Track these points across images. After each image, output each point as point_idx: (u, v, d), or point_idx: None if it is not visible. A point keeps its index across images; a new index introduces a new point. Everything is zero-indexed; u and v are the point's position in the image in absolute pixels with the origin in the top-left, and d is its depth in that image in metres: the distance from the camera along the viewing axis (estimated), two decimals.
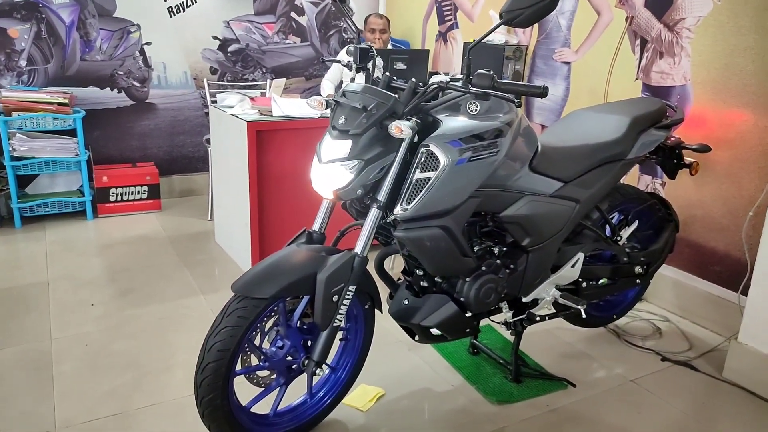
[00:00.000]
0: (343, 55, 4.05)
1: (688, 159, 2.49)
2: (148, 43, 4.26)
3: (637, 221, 2.46)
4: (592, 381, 2.37)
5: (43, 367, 2.31)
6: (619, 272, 2.44)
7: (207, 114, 4.55)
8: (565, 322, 2.70)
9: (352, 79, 1.90)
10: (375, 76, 1.90)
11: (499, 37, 3.63)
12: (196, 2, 4.33)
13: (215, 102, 3.77)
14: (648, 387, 2.34)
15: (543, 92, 1.61)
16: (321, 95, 4.34)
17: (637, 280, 2.52)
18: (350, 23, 1.94)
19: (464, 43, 4.03)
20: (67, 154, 3.85)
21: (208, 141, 4.03)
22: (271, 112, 3.16)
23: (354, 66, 1.91)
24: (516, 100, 1.58)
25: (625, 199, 2.45)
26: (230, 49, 4.58)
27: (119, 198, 4.14)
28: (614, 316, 2.73)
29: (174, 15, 4.29)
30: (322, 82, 4.45)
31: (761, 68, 2.49)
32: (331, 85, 4.41)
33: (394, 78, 1.87)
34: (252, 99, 3.34)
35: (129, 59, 4.22)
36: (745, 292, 2.44)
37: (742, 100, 2.57)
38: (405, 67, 3.49)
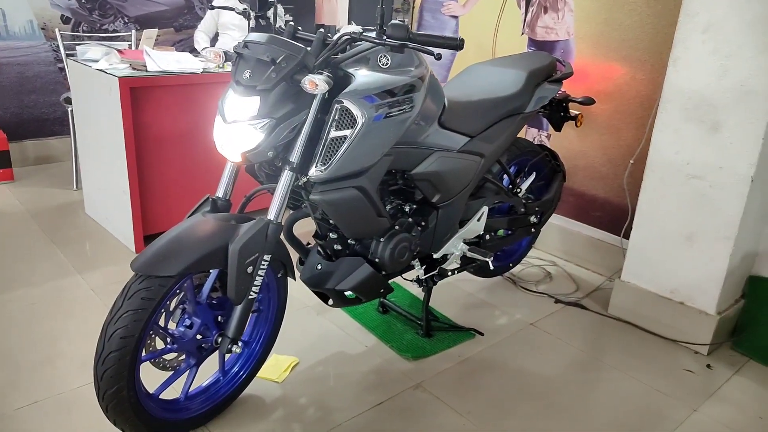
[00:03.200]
0: (226, 2, 3.71)
1: (573, 111, 2.61)
2: None
3: (534, 173, 2.55)
4: (497, 328, 2.46)
5: None
6: (516, 223, 2.54)
7: (62, 69, 4.01)
8: (465, 275, 2.78)
9: (252, 29, 1.73)
10: (277, 25, 1.74)
11: None
12: None
13: (71, 55, 3.32)
14: (546, 329, 2.49)
15: (459, 44, 1.56)
16: (196, 48, 4.01)
17: (532, 229, 2.64)
18: None
19: None
20: None
21: (68, 100, 3.56)
22: (145, 66, 2.83)
23: (252, 14, 1.74)
24: (436, 54, 1.52)
25: (521, 152, 2.53)
26: None
27: None
28: (510, 265, 2.85)
29: None
30: (195, 33, 4.10)
31: (638, 23, 2.65)
32: (206, 37, 4.08)
33: (299, 28, 1.72)
34: (120, 52, 2.97)
35: None
36: (627, 236, 2.65)
37: (621, 54, 2.73)
38: (291, 18, 3.30)
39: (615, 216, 2.88)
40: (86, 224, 3.22)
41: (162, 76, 2.79)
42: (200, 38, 4.06)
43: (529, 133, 3.17)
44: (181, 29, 4.52)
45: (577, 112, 2.61)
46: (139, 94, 2.74)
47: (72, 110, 3.43)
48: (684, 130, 2.24)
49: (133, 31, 4.14)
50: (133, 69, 2.83)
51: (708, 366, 2.29)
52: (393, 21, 1.59)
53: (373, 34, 1.61)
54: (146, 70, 2.82)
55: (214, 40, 4.12)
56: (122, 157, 2.77)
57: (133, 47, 3.89)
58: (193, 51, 3.91)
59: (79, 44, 3.33)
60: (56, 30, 3.78)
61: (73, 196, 3.60)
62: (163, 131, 2.87)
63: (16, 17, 3.81)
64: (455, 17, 3.42)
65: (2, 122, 3.90)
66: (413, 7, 3.60)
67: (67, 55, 3.59)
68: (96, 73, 2.84)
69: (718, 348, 2.40)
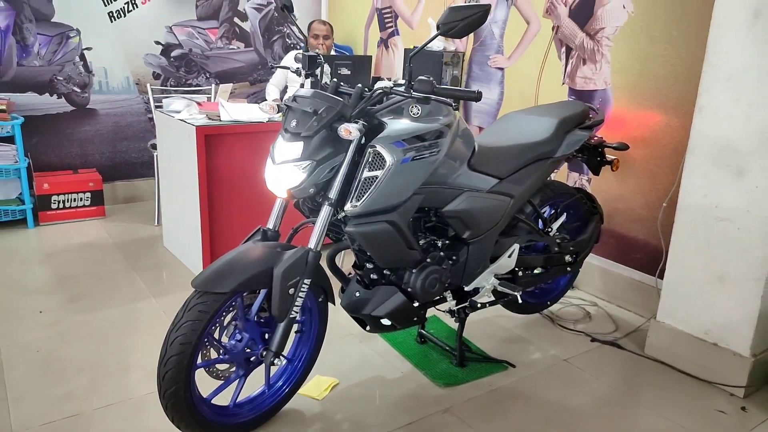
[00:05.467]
0: (290, 61, 4.14)
1: (609, 156, 2.74)
2: (88, 48, 4.21)
3: (565, 214, 2.68)
4: (530, 362, 2.56)
5: None
6: (551, 261, 2.66)
7: (151, 119, 4.54)
8: (504, 311, 2.90)
9: (302, 85, 2.02)
10: (323, 81, 2.02)
11: (438, 44, 3.81)
12: (137, 7, 4.32)
13: (159, 107, 3.79)
14: (579, 365, 2.56)
15: (477, 96, 1.78)
16: (267, 100, 4.43)
17: (568, 268, 2.74)
18: (296, 30, 2.03)
19: (405, 49, 4.21)
20: (5, 161, 3.77)
21: (154, 146, 4.03)
22: (218, 116, 3.22)
23: (303, 72, 2.03)
24: (453, 104, 1.74)
25: (554, 194, 2.67)
26: (173, 54, 4.58)
27: (61, 205, 4.07)
28: (548, 303, 2.95)
29: (115, 20, 4.26)
30: (267, 86, 4.53)
31: (671, 74, 2.77)
32: (276, 90, 4.49)
33: (341, 83, 1.99)
34: (199, 104, 3.39)
35: (69, 64, 4.16)
36: (661, 276, 2.70)
37: (656, 103, 2.85)
38: (349, 72, 3.63)
39: (653, 257, 2.94)
40: (163, 255, 3.60)
41: (232, 125, 3.16)
42: (271, 91, 4.48)
43: (571, 177, 3.30)
44: (255, 83, 4.99)
45: (614, 157, 2.74)
46: (212, 141, 3.12)
47: (157, 155, 3.88)
48: (711, 175, 2.33)
49: (213, 85, 4.63)
50: (209, 119, 3.22)
51: (743, 408, 2.29)
52: (421, 77, 1.83)
53: (402, 88, 1.86)
54: (219, 120, 3.20)
55: (283, 92, 4.54)
56: (195, 196, 3.13)
57: (212, 100, 4.36)
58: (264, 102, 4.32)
59: (166, 97, 3.79)
60: (148, 85, 4.31)
61: (154, 231, 4.02)
62: (231, 173, 3.23)
63: (116, 74, 4.38)
64: (501, 69, 3.64)
65: (98, 165, 4.44)
66: (463, 60, 3.86)
67: (156, 107, 4.08)
68: (178, 122, 3.25)
69: (757, 392, 2.39)
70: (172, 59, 4.59)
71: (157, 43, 4.49)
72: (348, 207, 1.87)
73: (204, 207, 3.14)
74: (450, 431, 2.08)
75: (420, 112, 1.94)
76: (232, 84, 3.85)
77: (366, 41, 4.82)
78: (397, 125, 1.89)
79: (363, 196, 1.85)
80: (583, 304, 3.14)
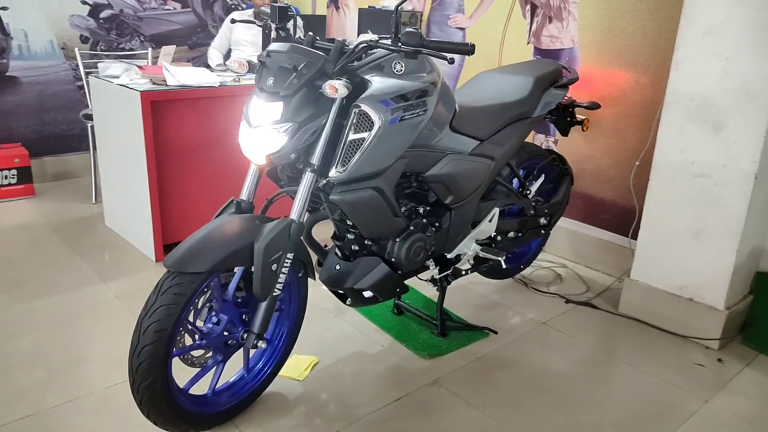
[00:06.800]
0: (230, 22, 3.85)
1: (579, 116, 2.69)
2: (4, 8, 3.76)
3: (543, 176, 2.63)
4: (510, 327, 2.52)
5: None
6: (526, 224, 2.60)
7: (81, 87, 4.14)
8: (477, 277, 2.84)
9: (274, 39, 1.82)
10: (297, 36, 1.83)
11: (393, 2, 3.64)
12: None
13: (90, 73, 3.45)
14: (557, 327, 2.54)
15: (470, 49, 1.65)
16: (210, 64, 4.13)
17: (542, 231, 2.71)
18: None
19: (359, 9, 4.00)
20: None
21: (87, 116, 3.68)
22: (164, 81, 2.94)
23: (274, 26, 1.83)
24: (449, 58, 1.61)
25: (529, 156, 2.61)
26: (102, 15, 4.18)
27: None
28: (521, 267, 2.92)
29: None
30: (208, 50, 4.24)
31: (640, 29, 2.74)
32: (219, 54, 4.20)
33: (317, 38, 1.82)
34: (141, 68, 3.09)
35: None
36: (635, 236, 2.71)
37: (624, 60, 2.81)
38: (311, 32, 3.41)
39: (623, 217, 2.95)
40: (107, 235, 3.32)
41: (181, 90, 2.90)
42: (214, 55, 4.18)
43: (537, 139, 3.25)
44: (194, 47, 4.66)
45: (584, 117, 2.69)
46: (158, 108, 2.85)
47: (92, 126, 3.54)
48: (688, 131, 2.32)
49: (149, 49, 4.27)
50: (153, 84, 2.94)
51: (719, 360, 2.33)
52: (407, 29, 1.68)
53: (388, 42, 1.70)
54: (166, 85, 2.92)
55: (226, 56, 4.24)
56: (143, 168, 2.87)
57: (149, 64, 4.01)
58: (208, 67, 4.03)
59: (99, 62, 3.45)
60: (76, 49, 3.91)
61: (92, 209, 3.70)
62: (181, 143, 2.97)
63: (38, 37, 3.95)
64: (462, 29, 3.52)
65: (23, 139, 4.02)
66: (421, 21, 3.71)
67: (87, 73, 3.72)
68: (118, 88, 2.95)
69: (729, 343, 2.44)
70: (101, 21, 4.18)
71: (84, 2, 4.07)
72: (333, 173, 1.71)
73: (153, 180, 2.88)
74: (441, 404, 2.01)
75: (404, 69, 1.80)
76: (174, 46, 3.54)
77: (314, 1, 4.57)
78: (383, 83, 1.74)
79: (349, 160, 1.70)
80: (553, 266, 3.14)
